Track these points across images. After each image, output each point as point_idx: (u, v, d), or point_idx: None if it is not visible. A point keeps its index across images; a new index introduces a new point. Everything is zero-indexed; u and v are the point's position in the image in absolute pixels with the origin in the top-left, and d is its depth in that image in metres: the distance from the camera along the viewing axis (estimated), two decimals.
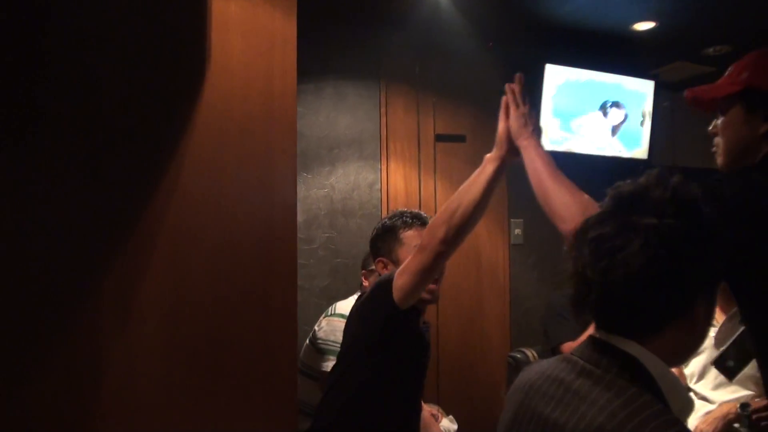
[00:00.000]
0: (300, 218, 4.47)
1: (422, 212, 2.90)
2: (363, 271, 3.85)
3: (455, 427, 3.79)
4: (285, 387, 2.31)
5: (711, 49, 5.47)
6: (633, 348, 1.34)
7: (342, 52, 4.74)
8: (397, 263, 2.69)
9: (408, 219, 2.82)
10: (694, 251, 1.32)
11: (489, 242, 5.19)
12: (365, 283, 3.77)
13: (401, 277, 2.39)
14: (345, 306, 3.93)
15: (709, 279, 1.36)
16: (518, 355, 4.41)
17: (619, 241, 1.31)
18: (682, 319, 1.34)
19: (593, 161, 5.39)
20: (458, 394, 4.85)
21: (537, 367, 1.53)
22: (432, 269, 2.36)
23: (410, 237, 2.77)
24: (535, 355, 4.30)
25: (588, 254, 1.35)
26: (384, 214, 4.81)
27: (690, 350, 1.42)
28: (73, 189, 2.04)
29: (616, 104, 5.48)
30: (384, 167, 4.85)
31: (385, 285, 2.44)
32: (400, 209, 2.95)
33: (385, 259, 2.85)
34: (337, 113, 4.73)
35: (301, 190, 4.51)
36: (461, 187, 2.31)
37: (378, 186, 4.82)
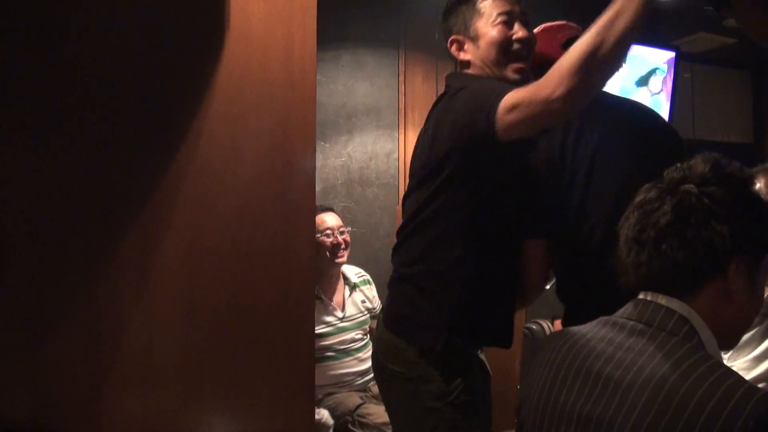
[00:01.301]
0: (317, 187, 4.45)
1: None
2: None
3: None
4: (304, 351, 2.32)
5: (732, 20, 5.40)
6: (681, 307, 1.39)
7: (361, 18, 4.71)
8: (476, 40, 2.29)
9: None
10: (728, 215, 1.37)
11: None
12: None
13: (510, 113, 1.94)
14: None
15: (743, 246, 1.39)
16: (534, 327, 4.40)
17: (657, 203, 1.41)
18: (716, 280, 1.39)
19: None
20: None
21: (576, 329, 1.57)
22: (551, 124, 2.01)
23: (491, 5, 2.27)
24: (551, 326, 4.30)
25: (632, 216, 1.46)
26: (401, 184, 4.80)
27: (734, 327, 1.47)
28: (94, 154, 2.03)
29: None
30: (402, 136, 4.83)
31: (487, 107, 2.00)
32: None
33: (460, 37, 2.35)
34: (355, 81, 4.71)
35: (318, 159, 4.50)
36: (598, 23, 1.84)
37: (395, 155, 4.81)
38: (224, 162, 2.20)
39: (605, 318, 1.51)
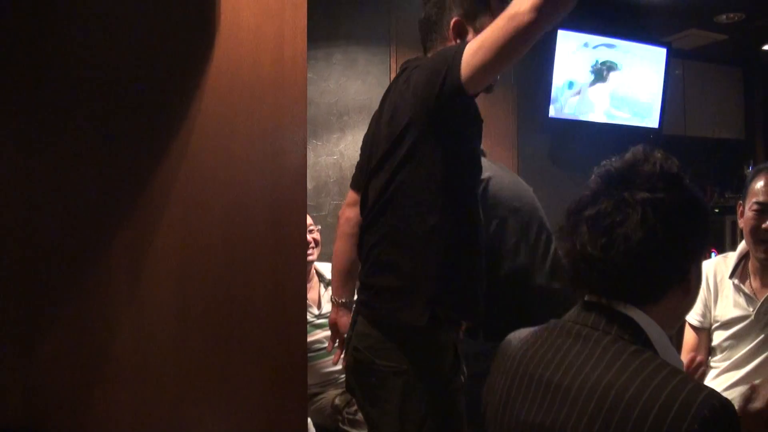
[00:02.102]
0: (309, 185, 4.46)
1: None
2: None
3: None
4: (296, 350, 2.31)
5: (724, 17, 5.42)
6: (632, 311, 1.40)
7: (352, 17, 4.71)
8: (477, 33, 2.11)
9: None
10: (686, 222, 1.39)
11: None
12: None
13: (476, 54, 1.91)
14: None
15: (700, 247, 1.44)
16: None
17: (618, 216, 1.37)
18: (679, 286, 1.41)
19: (603, 129, 5.37)
20: None
21: (521, 334, 1.59)
22: (522, 46, 1.87)
23: (499, 9, 2.01)
24: None
25: (586, 232, 1.41)
26: None
27: (682, 315, 1.53)
28: (86, 152, 2.02)
29: (612, 68, 5.44)
30: None
31: (451, 55, 1.97)
32: None
33: (464, 23, 2.26)
34: (347, 79, 4.71)
35: (310, 158, 4.50)
36: None
37: None
38: (216, 160, 2.19)
39: (555, 321, 1.51)
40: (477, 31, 2.17)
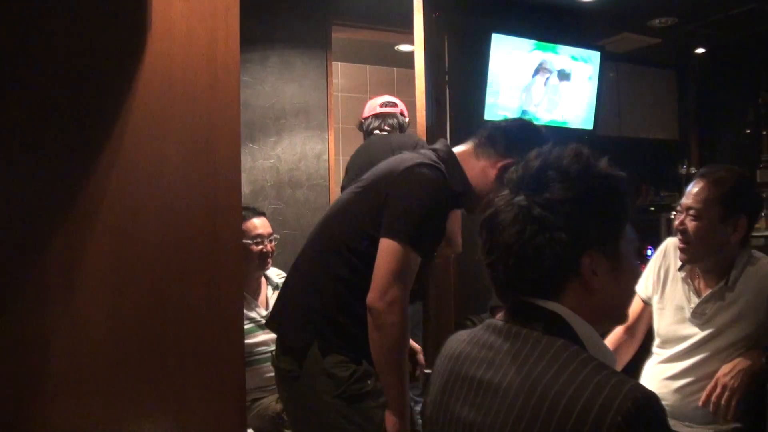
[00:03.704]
0: (246, 189, 4.43)
1: None
2: None
3: None
4: (233, 354, 2.29)
5: (657, 21, 5.51)
6: (554, 306, 1.40)
7: (288, 20, 4.69)
8: (490, 169, 2.43)
9: None
10: (560, 220, 1.37)
11: None
12: None
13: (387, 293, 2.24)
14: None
15: (588, 242, 1.40)
16: (468, 323, 4.41)
17: (499, 218, 1.41)
18: (574, 280, 1.40)
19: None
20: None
21: (460, 336, 1.60)
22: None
23: None
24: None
25: (484, 233, 1.46)
26: (332, 185, 4.79)
27: (604, 310, 1.46)
28: (10, 162, 1.98)
29: (547, 69, 5.49)
30: (332, 137, 4.83)
31: (401, 215, 2.27)
32: None
33: (495, 155, 2.46)
34: (284, 83, 4.69)
35: (247, 161, 4.48)
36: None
37: (326, 156, 4.80)
38: (149, 163, 2.16)
39: (489, 321, 1.52)
40: (491, 166, 2.41)
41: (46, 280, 2.02)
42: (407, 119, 4.45)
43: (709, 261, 2.71)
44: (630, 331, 2.99)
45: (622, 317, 1.55)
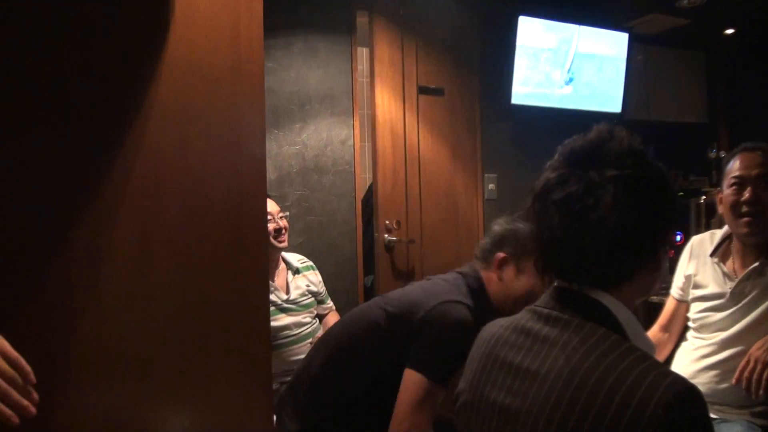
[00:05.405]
0: (272, 176, 4.43)
1: None
2: None
3: None
4: (259, 339, 2.29)
5: (685, 1, 5.43)
6: (600, 295, 1.38)
7: (312, 6, 4.67)
8: (517, 276, 2.60)
9: None
10: (656, 198, 1.37)
11: (465, 197, 5.17)
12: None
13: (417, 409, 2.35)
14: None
15: (669, 222, 1.41)
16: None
17: (590, 200, 1.34)
18: (650, 265, 1.40)
19: (566, 115, 5.37)
20: None
21: (499, 321, 1.59)
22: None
23: (531, 269, 2.57)
24: None
25: (556, 216, 1.38)
26: (357, 171, 4.78)
27: (648, 291, 1.49)
28: (41, 145, 1.98)
29: (574, 53, 5.45)
30: (357, 123, 4.81)
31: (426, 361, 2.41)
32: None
33: (511, 260, 2.63)
34: (308, 69, 4.68)
35: (272, 148, 4.47)
36: None
37: (351, 142, 4.78)
38: (173, 149, 2.16)
39: (529, 308, 1.51)
40: (519, 270, 2.59)
41: (72, 266, 2.02)
42: None
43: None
44: (665, 329, 3.06)
45: (645, 298, 1.59)
